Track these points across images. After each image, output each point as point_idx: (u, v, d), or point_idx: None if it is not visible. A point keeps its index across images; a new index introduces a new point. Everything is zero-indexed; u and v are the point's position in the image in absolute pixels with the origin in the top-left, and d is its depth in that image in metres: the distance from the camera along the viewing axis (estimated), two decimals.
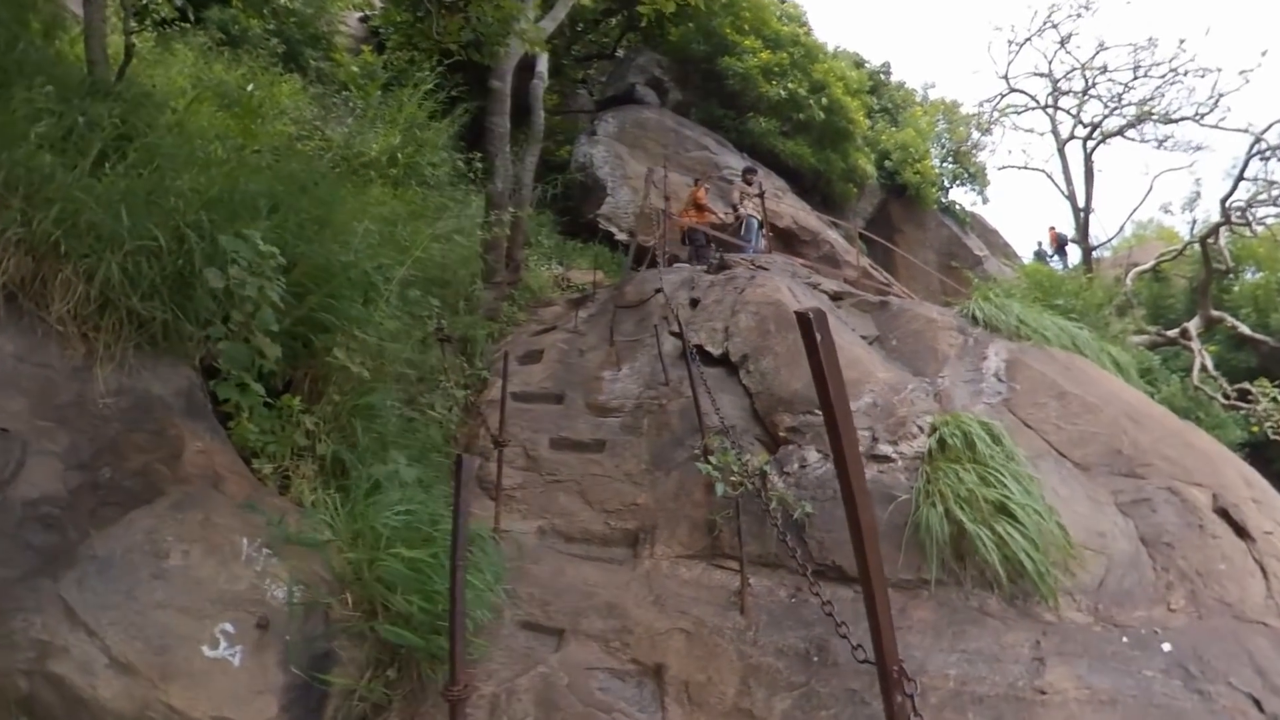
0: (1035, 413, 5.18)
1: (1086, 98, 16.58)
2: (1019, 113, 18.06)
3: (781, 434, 4.65)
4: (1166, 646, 3.56)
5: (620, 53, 16.50)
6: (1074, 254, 21.12)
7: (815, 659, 3.42)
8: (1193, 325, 15.08)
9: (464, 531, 2.33)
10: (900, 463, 4.29)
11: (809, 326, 1.38)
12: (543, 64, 10.27)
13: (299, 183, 5.40)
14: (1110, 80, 16.11)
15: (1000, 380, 5.43)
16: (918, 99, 21.89)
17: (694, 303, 6.17)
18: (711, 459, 4.33)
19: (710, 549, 4.21)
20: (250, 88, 7.86)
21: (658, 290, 6.39)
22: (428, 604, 3.18)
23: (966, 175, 20.14)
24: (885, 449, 4.37)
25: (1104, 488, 4.73)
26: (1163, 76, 15.08)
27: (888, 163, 17.36)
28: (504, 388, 4.85)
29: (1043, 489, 4.27)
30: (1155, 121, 15.59)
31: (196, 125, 5.91)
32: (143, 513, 3.30)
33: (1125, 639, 3.65)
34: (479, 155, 9.03)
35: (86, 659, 2.99)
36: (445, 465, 4.80)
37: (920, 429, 4.51)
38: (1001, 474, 4.14)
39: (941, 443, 4.31)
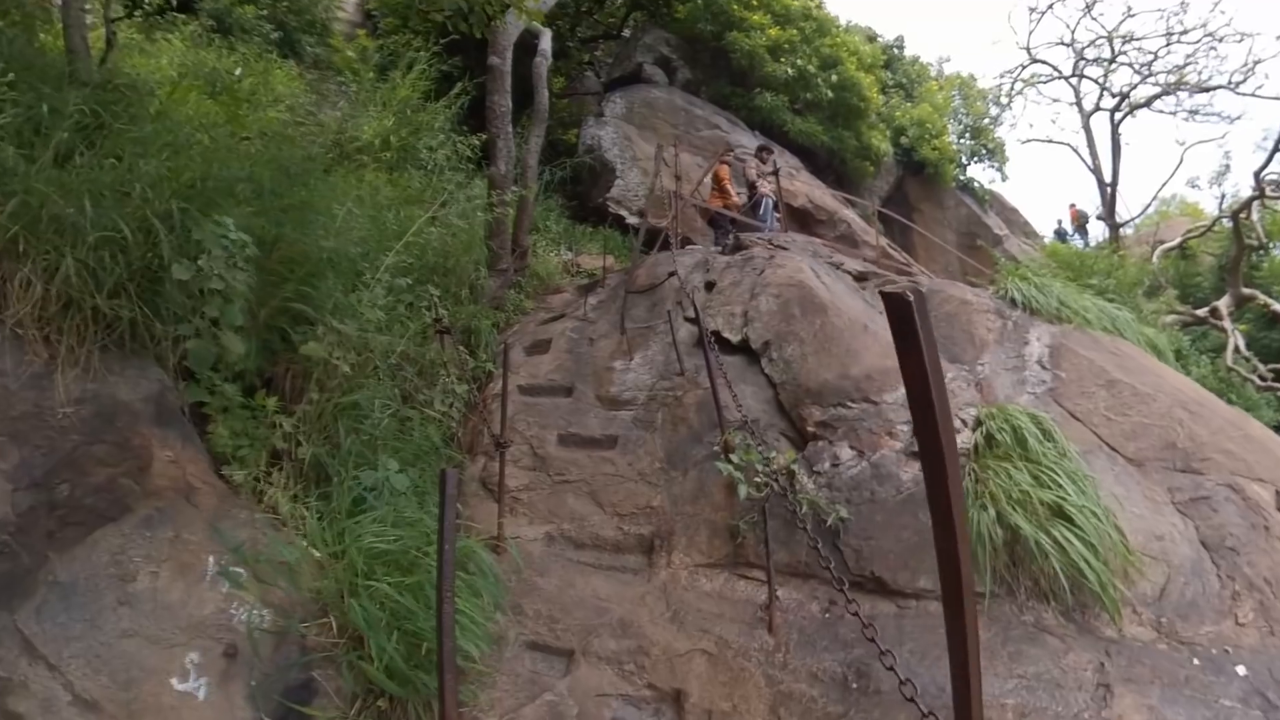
0: (1084, 403, 4.80)
1: (1114, 66, 15.90)
2: (1045, 82, 17.36)
3: (810, 429, 4.27)
4: (1241, 670, 3.26)
5: (626, 32, 16.01)
6: (1094, 232, 20.58)
7: (854, 685, 3.06)
8: (1223, 304, 14.55)
9: (451, 563, 1.98)
10: None
11: (907, 314, 1.01)
12: (546, 42, 9.84)
13: (280, 166, 5.07)
14: (1138, 49, 15.43)
15: (1044, 368, 5.04)
16: (933, 74, 21.26)
17: (709, 286, 5.77)
18: (733, 457, 3.97)
19: (733, 557, 3.84)
20: (238, 72, 7.48)
21: (671, 273, 5.99)
22: (415, 637, 2.83)
23: (985, 151, 19.53)
24: None
25: (1160, 485, 4.37)
26: (1196, 42, 14.37)
27: (904, 139, 16.80)
28: (505, 382, 4.49)
29: (1097, 488, 3.91)
30: (1189, 90, 14.89)
31: (182, 114, 5.60)
32: (108, 532, 2.99)
33: (1196, 660, 3.31)
34: (481, 137, 8.63)
35: (48, 696, 2.72)
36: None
37: (964, 422, 4.13)
38: (1056, 473, 3.77)
39: (989, 438, 3.94)
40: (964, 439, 4.06)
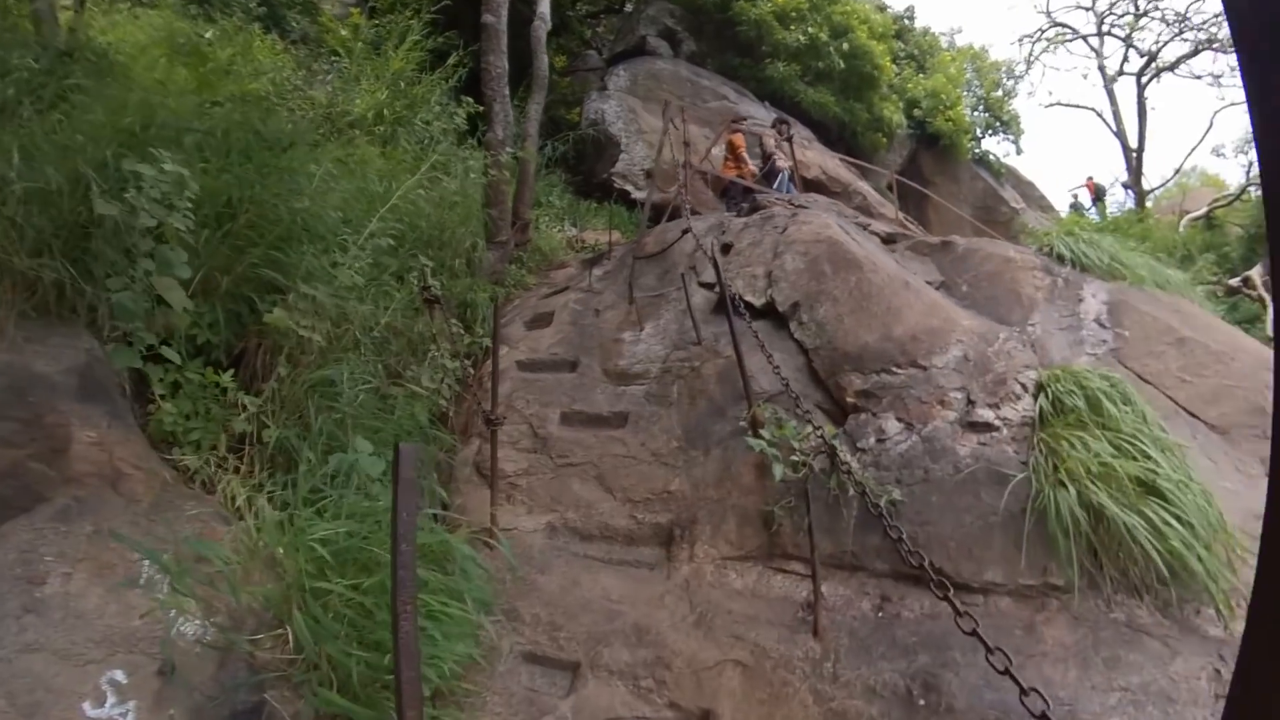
0: (1152, 364, 4.25)
1: (1140, 25, 15.16)
2: (1070, 40, 16.60)
3: (850, 399, 3.71)
4: None
5: (629, 7, 15.41)
6: (1109, 205, 20.04)
7: (921, 701, 2.52)
8: (1256, 273, 13.97)
9: (410, 566, 1.46)
10: (1005, 431, 3.36)
11: None
12: (544, 5, 9.28)
13: (253, 129, 4.57)
14: (1167, 9, 14.71)
15: (1103, 326, 4.49)
16: (944, 46, 20.57)
17: (726, 248, 5.20)
18: (763, 433, 3.43)
19: (767, 548, 3.29)
20: (208, 35, 6.96)
21: (686, 230, 5.40)
22: (380, 649, 2.31)
23: (999, 124, 18.87)
24: (985, 414, 3.43)
25: (1251, 455, 3.83)
26: None
27: (917, 111, 16.18)
28: (495, 349, 3.95)
29: (1187, 459, 3.37)
30: (1221, 49, 14.16)
31: (148, 78, 5.14)
32: (17, 525, 2.48)
33: None
34: (479, 108, 8.09)
35: None
36: (428, 451, 3.97)
37: (1024, 388, 3.58)
38: (1140, 441, 3.22)
39: (1057, 404, 3.38)
40: (1024, 407, 3.51)
